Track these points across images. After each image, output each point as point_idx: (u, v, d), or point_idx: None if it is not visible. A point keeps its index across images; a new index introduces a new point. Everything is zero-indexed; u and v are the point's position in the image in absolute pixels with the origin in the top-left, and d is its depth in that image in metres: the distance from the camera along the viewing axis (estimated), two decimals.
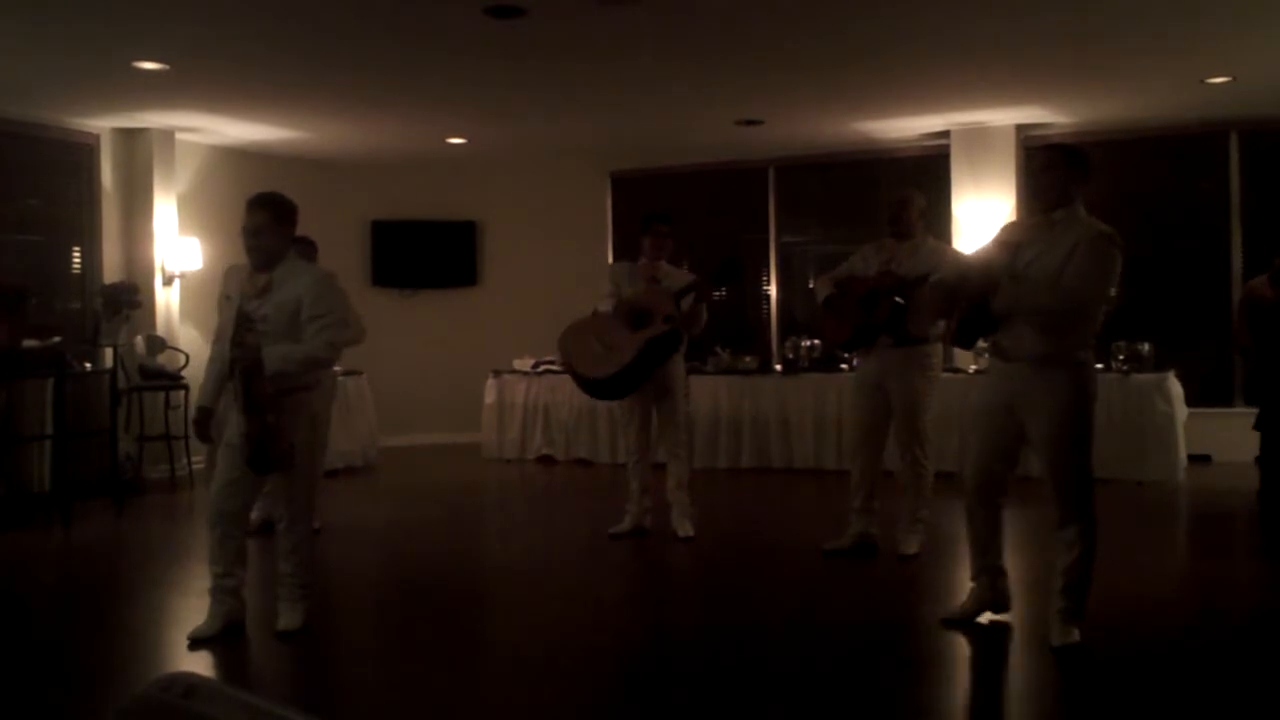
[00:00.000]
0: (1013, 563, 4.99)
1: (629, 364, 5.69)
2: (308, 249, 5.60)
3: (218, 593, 4.24)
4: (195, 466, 8.33)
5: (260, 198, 4.20)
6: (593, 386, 5.95)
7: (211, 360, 4.33)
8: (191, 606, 4.53)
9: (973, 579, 4.28)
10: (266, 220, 4.13)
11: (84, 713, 3.48)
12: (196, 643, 4.14)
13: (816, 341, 8.94)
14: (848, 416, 6.38)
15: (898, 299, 5.20)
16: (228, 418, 4.23)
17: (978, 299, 3.92)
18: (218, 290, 4.36)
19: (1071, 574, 3.89)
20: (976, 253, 4.32)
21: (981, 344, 4.48)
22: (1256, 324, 7.12)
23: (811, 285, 9.80)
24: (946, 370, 5.68)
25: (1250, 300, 7.24)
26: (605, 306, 5.96)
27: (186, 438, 8.23)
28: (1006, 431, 4.01)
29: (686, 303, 5.84)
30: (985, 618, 4.25)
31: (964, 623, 4.24)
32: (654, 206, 6.66)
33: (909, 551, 5.46)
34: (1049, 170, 3.95)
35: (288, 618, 4.28)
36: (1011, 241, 3.99)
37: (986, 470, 4.12)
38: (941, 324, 4.71)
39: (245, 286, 4.15)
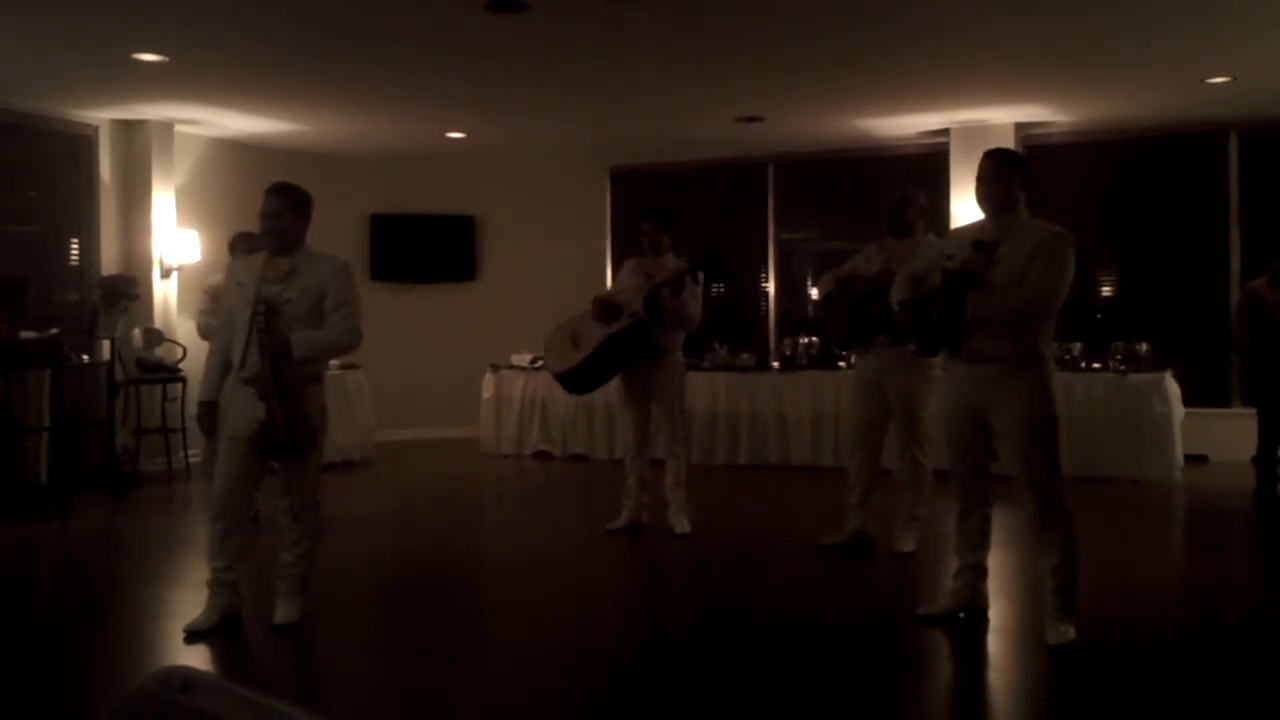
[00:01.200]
0: (1005, 561, 5.02)
1: (587, 359, 5.80)
2: None
3: (216, 585, 4.23)
4: (192, 459, 8.32)
5: (278, 184, 4.28)
6: (560, 380, 6.08)
7: (212, 352, 4.32)
8: (188, 599, 4.53)
9: (954, 577, 4.32)
10: (284, 205, 4.19)
11: (81, 706, 3.48)
12: (193, 635, 4.13)
13: (814, 339, 8.96)
14: (847, 414, 6.38)
15: None
16: (228, 412, 4.22)
17: (938, 308, 3.94)
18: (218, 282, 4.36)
19: (1060, 573, 3.92)
20: (915, 264, 4.32)
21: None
22: (1256, 325, 7.14)
23: (811, 283, 9.82)
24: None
25: (1250, 301, 7.26)
26: None
27: (184, 431, 8.24)
28: (978, 432, 4.06)
29: (665, 296, 5.84)
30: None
31: (942, 620, 4.26)
32: (653, 203, 6.66)
33: (905, 549, 5.46)
34: (997, 177, 4.00)
35: (284, 611, 4.27)
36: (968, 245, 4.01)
37: (970, 473, 4.17)
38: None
39: (265, 271, 4.16)
